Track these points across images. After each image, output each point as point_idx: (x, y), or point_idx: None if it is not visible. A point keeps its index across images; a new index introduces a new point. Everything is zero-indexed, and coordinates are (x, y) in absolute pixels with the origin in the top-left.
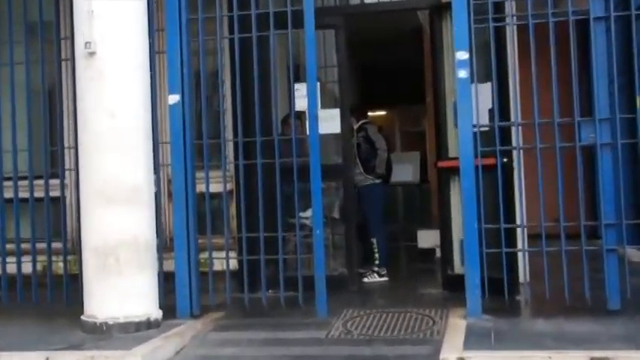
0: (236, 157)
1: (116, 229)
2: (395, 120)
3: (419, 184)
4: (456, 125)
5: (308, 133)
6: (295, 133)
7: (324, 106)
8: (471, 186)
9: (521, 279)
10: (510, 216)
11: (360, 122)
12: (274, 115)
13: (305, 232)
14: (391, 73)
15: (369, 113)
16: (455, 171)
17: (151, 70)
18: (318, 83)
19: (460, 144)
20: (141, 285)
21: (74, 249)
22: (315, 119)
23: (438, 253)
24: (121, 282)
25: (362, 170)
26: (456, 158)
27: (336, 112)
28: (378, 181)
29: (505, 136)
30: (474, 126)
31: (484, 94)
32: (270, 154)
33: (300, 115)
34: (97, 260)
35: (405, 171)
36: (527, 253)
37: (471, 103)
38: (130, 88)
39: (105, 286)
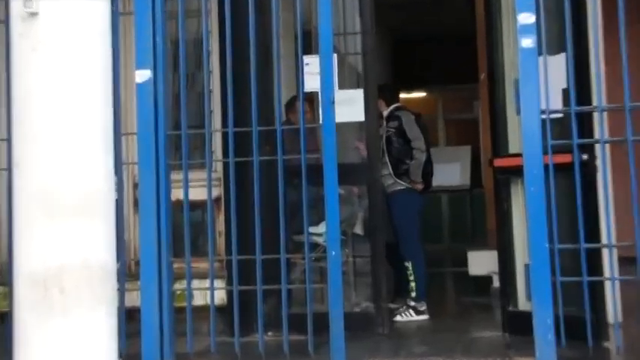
0: (226, 154)
1: (61, 250)
2: (437, 104)
3: (469, 190)
4: (518, 111)
5: (321, 121)
6: (304, 122)
7: (342, 86)
8: (540, 192)
9: (609, 318)
10: (594, 232)
11: (392, 107)
12: (276, 97)
13: (317, 254)
14: (432, 43)
15: (403, 95)
16: (518, 172)
17: (113, 38)
18: (336, 56)
19: (524, 136)
20: (94, 326)
21: (4, 277)
22: (330, 103)
23: (496, 283)
24: (67, 322)
25: (391, 172)
26: (518, 155)
27: (358, 94)
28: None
29: (585, 125)
30: (543, 112)
31: (556, 70)
32: (270, 149)
33: (310, 97)
34: (34, 292)
35: (451, 172)
36: (617, 283)
37: (538, 81)
38: (84, 61)
39: (45, 327)
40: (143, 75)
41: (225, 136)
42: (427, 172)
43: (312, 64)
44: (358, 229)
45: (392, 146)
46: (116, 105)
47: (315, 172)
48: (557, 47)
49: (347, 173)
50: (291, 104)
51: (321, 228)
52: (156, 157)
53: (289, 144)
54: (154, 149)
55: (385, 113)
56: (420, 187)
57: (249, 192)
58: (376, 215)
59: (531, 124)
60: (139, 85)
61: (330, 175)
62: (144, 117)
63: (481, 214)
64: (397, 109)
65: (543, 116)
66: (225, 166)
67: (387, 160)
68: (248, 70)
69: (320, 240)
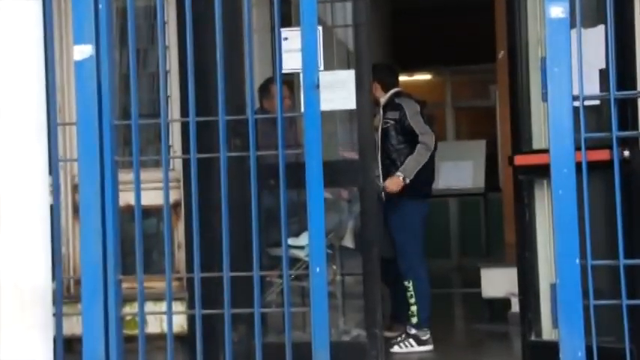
0: (186, 149)
1: None
2: (445, 89)
3: (484, 194)
4: (545, 97)
5: (303, 109)
6: (282, 110)
7: (329, 67)
8: (570, 196)
9: None
10: (636, 246)
11: (391, 93)
12: (248, 80)
13: (297, 271)
14: (439, 14)
15: (404, 78)
16: (543, 172)
17: (45, 4)
18: (321, 29)
19: (551, 127)
20: (26, 358)
21: None
22: (314, 87)
23: (515, 307)
24: None
25: (380, 175)
26: (545, 151)
27: (348, 76)
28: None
29: (628, 114)
30: (576, 98)
31: (593, 46)
32: (241, 143)
33: (290, 80)
34: None
35: (462, 172)
36: None
37: (570, 59)
38: (9, 32)
39: None
40: (83, 51)
41: (185, 127)
42: (423, 180)
43: (291, 38)
44: (348, 242)
45: (388, 143)
46: (50, 88)
47: (296, 172)
48: (594, 18)
49: (334, 173)
50: (265, 89)
51: (303, 240)
52: (100, 153)
53: (264, 137)
54: (98, 143)
55: (382, 100)
56: (394, 188)
57: (215, 195)
58: (370, 224)
59: (561, 113)
60: (79, 64)
61: (314, 175)
62: (85, 103)
63: (498, 223)
64: (397, 95)
65: (576, 103)
66: (186, 163)
67: (379, 159)
68: (213, 46)
69: (301, 254)
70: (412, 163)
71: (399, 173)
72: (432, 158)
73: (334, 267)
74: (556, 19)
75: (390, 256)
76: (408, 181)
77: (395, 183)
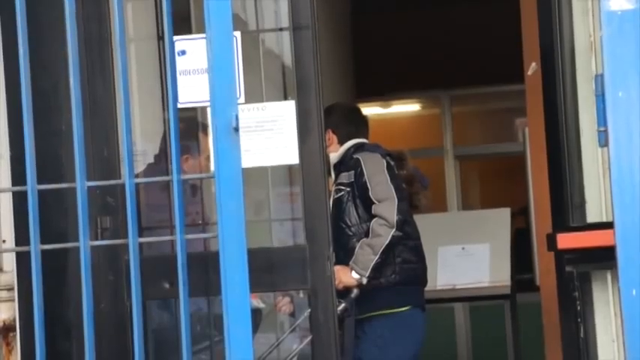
0: (22, 236)
1: None
2: (442, 126)
3: (510, 296)
4: (603, 140)
5: (213, 166)
6: (178, 169)
7: (253, 97)
8: None
9: None
10: None
11: (347, 147)
12: (123, 120)
13: None
14: (428, 8)
15: (374, 111)
16: (605, 258)
17: None
18: (239, 35)
19: (614, 188)
20: None
21: None
22: (229, 131)
23: None
24: None
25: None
26: (606, 225)
27: (286, 111)
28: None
29: None
30: None
31: None
32: (113, 224)
33: (191, 120)
34: None
35: (473, 262)
36: None
37: None
38: None
39: None
40: None
41: (19, 199)
42: (411, 281)
43: (192, 52)
44: None
45: (342, 222)
46: None
47: (205, 268)
48: None
49: (268, 269)
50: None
51: None
52: None
53: (152, 212)
54: None
55: (334, 157)
56: (345, 281)
57: (72, 312)
58: (327, 350)
59: (631, 164)
60: None
61: (234, 272)
62: None
63: (534, 342)
64: (358, 148)
65: None
66: (23, 260)
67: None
68: (63, 63)
69: None
70: (365, 251)
71: (354, 266)
72: (418, 248)
73: None
74: (619, 11)
75: None
76: (364, 280)
77: (345, 274)
